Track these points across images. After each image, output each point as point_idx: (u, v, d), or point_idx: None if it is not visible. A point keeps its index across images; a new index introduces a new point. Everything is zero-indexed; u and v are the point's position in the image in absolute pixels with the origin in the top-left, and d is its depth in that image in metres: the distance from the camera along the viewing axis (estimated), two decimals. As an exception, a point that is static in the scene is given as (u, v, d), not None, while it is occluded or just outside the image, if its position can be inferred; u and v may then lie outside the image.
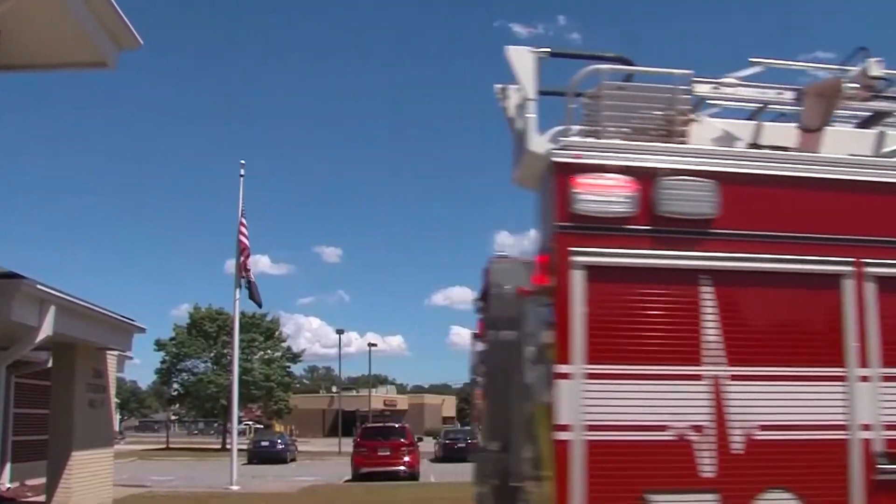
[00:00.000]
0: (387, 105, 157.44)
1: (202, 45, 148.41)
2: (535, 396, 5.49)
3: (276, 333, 57.25)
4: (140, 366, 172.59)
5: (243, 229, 24.25)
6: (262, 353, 55.61)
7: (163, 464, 38.26)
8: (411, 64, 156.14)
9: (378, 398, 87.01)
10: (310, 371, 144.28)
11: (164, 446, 57.15)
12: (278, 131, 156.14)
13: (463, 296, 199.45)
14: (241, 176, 24.96)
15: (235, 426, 25.91)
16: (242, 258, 23.96)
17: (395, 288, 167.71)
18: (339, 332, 62.67)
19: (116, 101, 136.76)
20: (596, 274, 5.28)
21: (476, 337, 7.25)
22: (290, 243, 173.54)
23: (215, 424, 71.11)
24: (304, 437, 64.65)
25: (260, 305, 26.39)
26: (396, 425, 31.80)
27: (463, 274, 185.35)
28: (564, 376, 5.15)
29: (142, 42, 10.32)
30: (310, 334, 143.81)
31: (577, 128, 5.96)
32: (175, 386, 56.87)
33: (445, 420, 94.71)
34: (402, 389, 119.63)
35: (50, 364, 15.82)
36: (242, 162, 25.35)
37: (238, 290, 24.13)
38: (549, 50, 6.17)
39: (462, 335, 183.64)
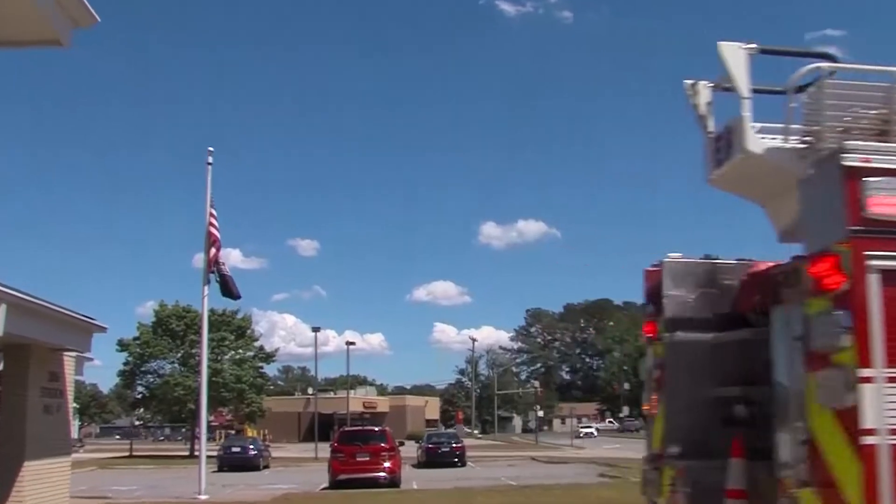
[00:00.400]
0: (366, 90, 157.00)
1: (166, 24, 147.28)
2: (821, 401, 5.65)
3: (248, 332, 57.00)
4: (101, 368, 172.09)
5: (213, 220, 23.99)
6: (232, 352, 55.36)
7: (125, 473, 38.02)
8: (392, 46, 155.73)
9: (357, 400, 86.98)
10: (284, 372, 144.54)
11: (127, 454, 56.87)
12: (249, 117, 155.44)
13: (446, 290, 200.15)
14: (209, 164, 24.70)
15: (204, 431, 25.72)
16: (214, 250, 23.73)
17: (375, 283, 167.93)
18: (316, 329, 62.48)
19: (73, 85, 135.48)
20: (890, 278, 5.54)
21: (650, 340, 7.60)
22: (262, 236, 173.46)
23: (183, 430, 70.81)
24: (278, 442, 64.59)
25: (237, 298, 26.00)
26: (376, 429, 31.70)
27: (446, 268, 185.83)
28: (868, 380, 5.36)
29: (98, 19, 10.10)
30: (284, 332, 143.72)
31: (795, 126, 6.25)
32: (139, 389, 56.51)
33: (429, 423, 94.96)
34: (382, 390, 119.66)
35: (1, 367, 15.59)
36: (210, 149, 25.10)
37: (206, 286, 23.88)
38: (756, 46, 6.46)
39: (446, 332, 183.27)
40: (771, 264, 7.15)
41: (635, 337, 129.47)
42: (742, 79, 6.33)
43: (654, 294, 7.50)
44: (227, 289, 24.08)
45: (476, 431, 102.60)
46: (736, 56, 6.36)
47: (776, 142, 6.42)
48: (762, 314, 6.85)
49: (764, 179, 6.71)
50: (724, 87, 6.88)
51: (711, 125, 7.01)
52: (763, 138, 6.36)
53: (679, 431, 7.05)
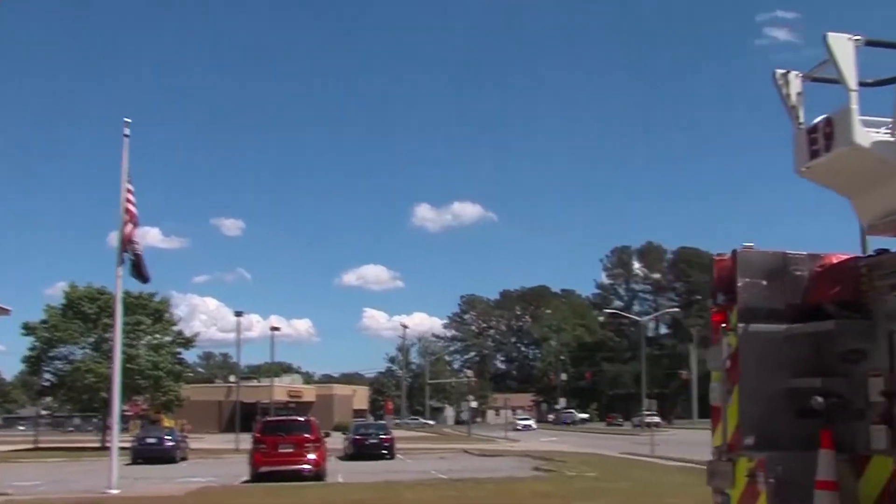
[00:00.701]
0: (295, 66, 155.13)
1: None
2: None
3: (166, 315, 56.08)
4: (4, 353, 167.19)
5: (129, 196, 23.62)
6: (149, 337, 54.41)
7: (29, 466, 37.15)
8: (323, 21, 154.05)
9: (282, 388, 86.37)
10: (205, 358, 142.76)
11: (32, 446, 55.54)
12: (169, 86, 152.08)
13: (377, 275, 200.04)
14: (126, 136, 24.27)
15: (117, 421, 25.29)
16: (131, 227, 23.37)
17: (302, 266, 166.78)
18: (239, 314, 61.75)
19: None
20: None
21: (724, 329, 7.76)
22: (184, 214, 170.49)
23: (94, 420, 69.36)
24: (197, 433, 63.77)
25: (145, 282, 25.67)
26: (301, 419, 31.57)
27: (377, 251, 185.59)
28: None
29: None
30: (205, 316, 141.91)
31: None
32: (47, 376, 55.16)
33: (357, 413, 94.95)
34: (308, 379, 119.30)
35: None
36: (127, 120, 24.61)
37: (121, 267, 23.46)
38: (860, 37, 6.62)
39: (376, 319, 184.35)
40: (845, 256, 7.47)
41: (573, 325, 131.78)
42: (849, 71, 6.51)
43: (724, 283, 7.73)
44: (138, 270, 23.76)
45: (432, 422, 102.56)
46: (844, 48, 6.53)
47: (882, 135, 6.63)
48: (842, 305, 7.16)
49: (861, 173, 6.91)
50: (814, 78, 7.13)
51: (802, 116, 7.23)
52: (869, 132, 6.57)
53: (754, 422, 7.32)
